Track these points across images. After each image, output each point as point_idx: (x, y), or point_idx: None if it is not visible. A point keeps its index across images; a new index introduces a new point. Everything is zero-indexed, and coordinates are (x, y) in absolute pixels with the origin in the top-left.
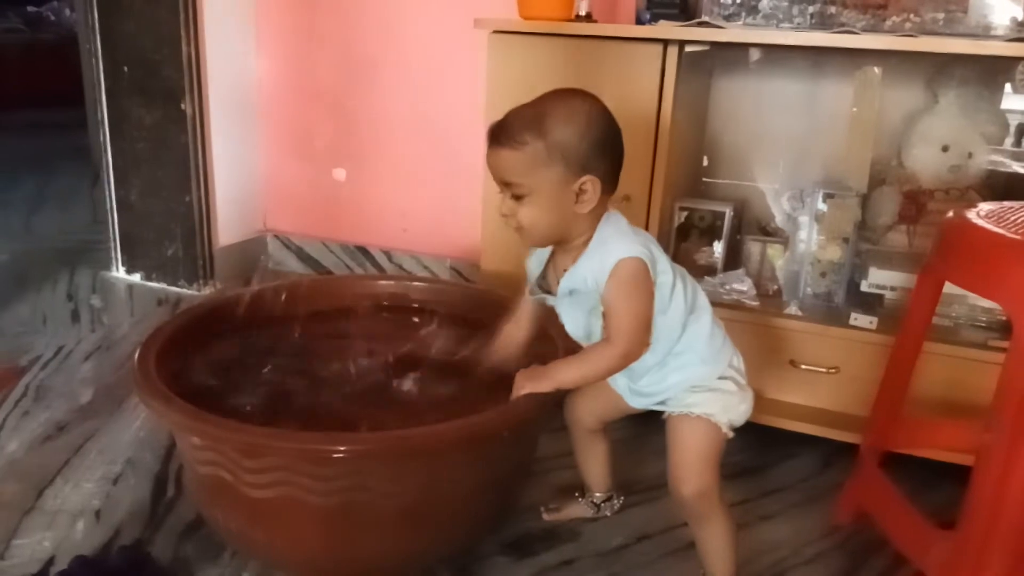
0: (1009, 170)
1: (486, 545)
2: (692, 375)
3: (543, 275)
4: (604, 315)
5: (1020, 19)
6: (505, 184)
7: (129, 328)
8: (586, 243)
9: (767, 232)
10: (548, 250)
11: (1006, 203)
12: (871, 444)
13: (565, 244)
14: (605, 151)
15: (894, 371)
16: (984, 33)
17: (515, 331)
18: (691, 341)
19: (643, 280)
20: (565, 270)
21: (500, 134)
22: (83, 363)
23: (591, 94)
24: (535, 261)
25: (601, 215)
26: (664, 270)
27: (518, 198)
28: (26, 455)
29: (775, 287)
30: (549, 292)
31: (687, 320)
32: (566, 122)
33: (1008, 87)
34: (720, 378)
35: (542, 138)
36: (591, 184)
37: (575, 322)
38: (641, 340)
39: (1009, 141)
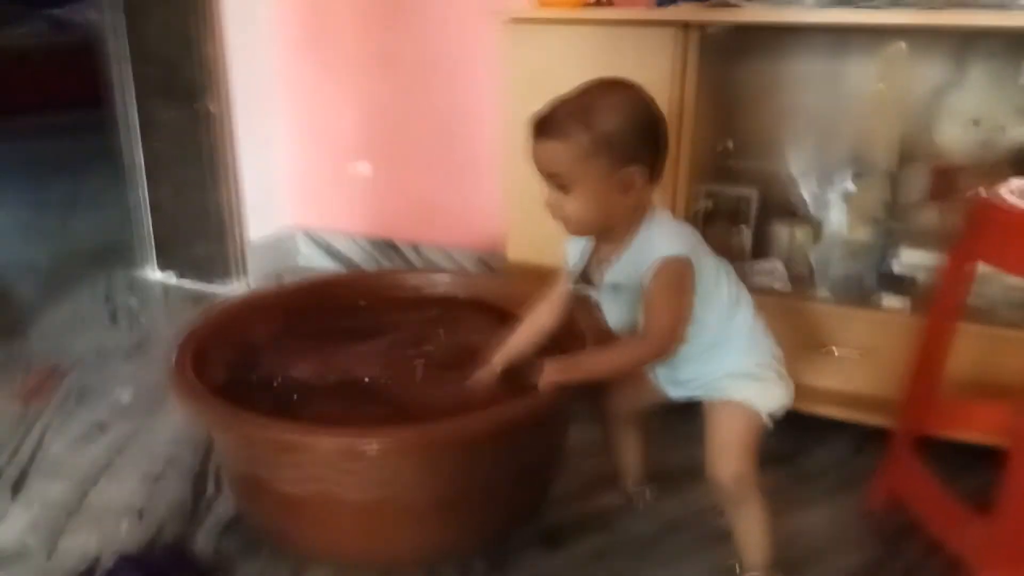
0: None
1: (519, 535)
2: (734, 365)
3: (585, 267)
4: (643, 310)
5: None
6: (550, 176)
7: (165, 327)
8: (631, 236)
9: (795, 215)
10: (589, 241)
11: None
12: (904, 428)
13: (609, 235)
14: (650, 141)
15: (925, 353)
16: (1012, 3)
17: (545, 319)
18: (733, 333)
19: (686, 279)
20: (609, 262)
21: (545, 126)
22: (123, 363)
23: (634, 83)
24: (574, 252)
25: (647, 206)
26: (708, 266)
27: (563, 189)
28: (69, 455)
29: (804, 270)
30: (590, 284)
31: (729, 313)
32: (611, 113)
33: None
34: (761, 367)
35: (588, 130)
36: (637, 174)
37: (617, 316)
38: (675, 338)
39: None
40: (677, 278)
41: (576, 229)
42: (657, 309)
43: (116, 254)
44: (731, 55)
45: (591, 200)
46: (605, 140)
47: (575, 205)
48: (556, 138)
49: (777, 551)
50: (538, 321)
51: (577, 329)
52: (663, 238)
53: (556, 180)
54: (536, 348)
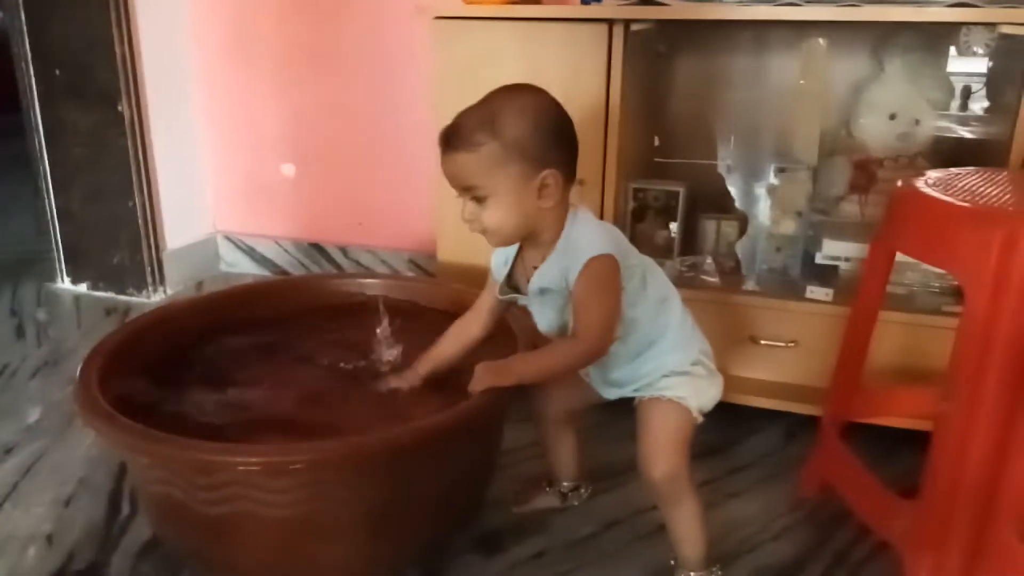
0: (956, 135)
1: (455, 543)
2: (665, 363)
3: (510, 273)
4: (572, 312)
5: None
6: (464, 189)
7: (77, 341)
8: (555, 239)
9: (721, 209)
10: (514, 248)
11: (953, 170)
12: (831, 415)
13: (533, 240)
14: (561, 142)
15: (851, 341)
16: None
17: (473, 327)
18: (663, 330)
19: (613, 278)
20: (535, 267)
21: (453, 138)
22: (30, 380)
23: (538, 87)
24: (500, 259)
25: (566, 208)
26: (634, 264)
27: (480, 201)
28: None
29: (732, 264)
30: (518, 290)
31: (657, 311)
32: (518, 118)
33: (953, 50)
34: (692, 363)
35: (497, 137)
36: (552, 177)
37: (547, 320)
38: (607, 337)
39: (955, 105)
40: (604, 277)
41: (498, 240)
42: (587, 310)
43: (25, 265)
44: (657, 52)
45: (509, 209)
46: (516, 146)
47: (493, 216)
48: (466, 149)
49: (712, 544)
50: (466, 330)
51: (510, 332)
52: (587, 238)
53: (471, 192)
54: (463, 357)
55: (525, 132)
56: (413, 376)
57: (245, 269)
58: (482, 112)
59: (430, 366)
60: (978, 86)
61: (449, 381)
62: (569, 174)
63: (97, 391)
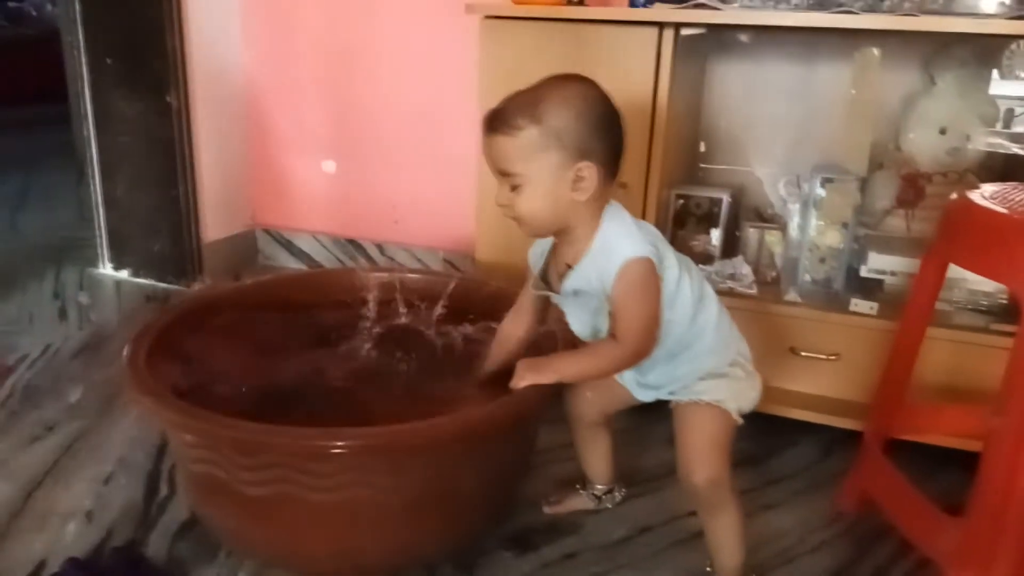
0: (1007, 152)
1: (488, 540)
2: (702, 365)
3: (544, 270)
4: (612, 315)
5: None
6: (502, 173)
7: (117, 325)
8: (589, 237)
9: (765, 218)
10: (549, 242)
11: (1008, 184)
12: (875, 430)
13: (566, 235)
14: (603, 135)
15: (898, 356)
16: (979, 11)
17: (516, 327)
18: (700, 331)
19: (651, 280)
20: (568, 265)
21: (495, 121)
22: (71, 361)
23: (589, 79)
24: (537, 253)
25: (603, 205)
26: (671, 265)
27: (515, 187)
28: (14, 456)
29: (773, 274)
30: (550, 286)
31: (695, 312)
32: (562, 106)
33: (995, 73)
34: (729, 365)
35: (537, 123)
36: (588, 170)
37: (580, 321)
38: (649, 341)
39: (999, 124)
40: (642, 280)
41: (530, 229)
42: (627, 313)
43: (68, 251)
44: (706, 57)
45: (542, 197)
46: (555, 133)
47: (526, 203)
48: (505, 132)
49: (748, 554)
50: (511, 336)
51: (548, 329)
52: (623, 239)
53: (507, 177)
54: (514, 359)
55: (566, 120)
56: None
57: (283, 262)
58: (527, 97)
59: (490, 370)
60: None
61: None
62: (609, 170)
63: (145, 369)
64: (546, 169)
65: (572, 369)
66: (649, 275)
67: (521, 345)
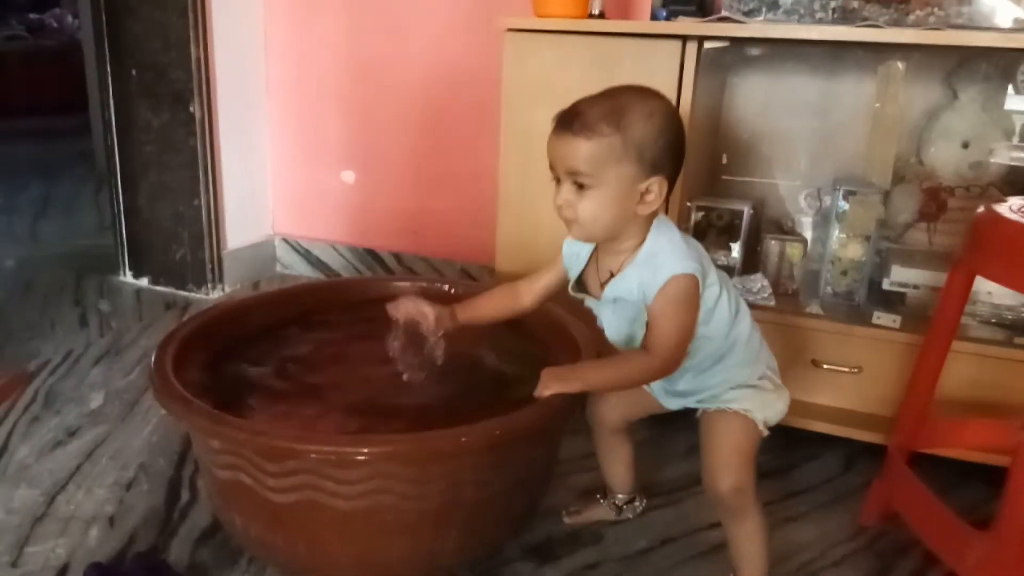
0: None
1: (508, 549)
2: (732, 377)
3: (582, 274)
4: (648, 325)
5: None
6: (571, 172)
7: (138, 333)
8: (635, 248)
9: (786, 231)
10: (589, 248)
11: None
12: (899, 443)
13: (613, 244)
14: (675, 154)
15: (924, 368)
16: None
17: (524, 297)
18: (732, 345)
19: (693, 297)
20: (611, 273)
21: (575, 122)
22: (92, 368)
23: (664, 95)
24: (573, 257)
25: (652, 218)
26: (712, 283)
27: (581, 188)
28: (37, 461)
29: (794, 286)
30: (586, 291)
31: (730, 326)
32: (647, 120)
33: (1010, 88)
34: (759, 378)
35: (621, 132)
36: (659, 186)
37: (615, 329)
38: (679, 355)
39: (1015, 139)
40: (685, 296)
41: (583, 233)
42: (663, 326)
43: (89, 258)
44: (729, 70)
45: (608, 205)
46: (636, 146)
47: (590, 207)
48: (586, 136)
49: (771, 566)
50: (515, 297)
51: (569, 337)
52: (671, 254)
53: (576, 177)
54: (501, 320)
55: (649, 135)
56: (449, 318)
57: (301, 271)
58: (611, 104)
59: (469, 315)
60: None
61: (504, 378)
62: (671, 188)
63: (171, 375)
64: (620, 178)
65: (599, 378)
66: (692, 292)
67: (518, 314)
